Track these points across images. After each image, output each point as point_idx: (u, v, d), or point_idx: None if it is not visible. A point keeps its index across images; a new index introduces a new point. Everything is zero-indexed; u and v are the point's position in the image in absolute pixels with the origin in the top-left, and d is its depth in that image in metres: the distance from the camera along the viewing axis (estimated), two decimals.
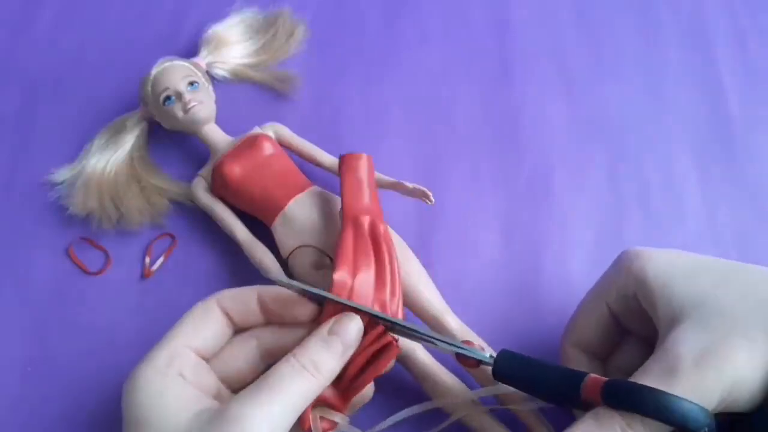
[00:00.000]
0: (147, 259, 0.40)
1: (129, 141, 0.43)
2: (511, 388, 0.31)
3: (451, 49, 0.48)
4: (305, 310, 0.29)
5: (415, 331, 0.29)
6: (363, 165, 0.37)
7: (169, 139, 0.44)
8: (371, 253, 0.34)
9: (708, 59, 0.47)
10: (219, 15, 0.47)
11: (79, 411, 0.36)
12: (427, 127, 0.45)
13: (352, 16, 0.50)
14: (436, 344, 0.30)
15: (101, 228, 0.41)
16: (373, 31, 0.49)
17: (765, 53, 0.47)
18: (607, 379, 0.27)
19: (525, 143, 0.44)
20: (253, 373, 0.29)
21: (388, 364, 0.29)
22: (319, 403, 0.29)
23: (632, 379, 0.26)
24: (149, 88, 0.41)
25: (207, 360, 0.29)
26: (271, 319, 0.30)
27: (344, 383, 0.29)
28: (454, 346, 0.30)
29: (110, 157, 0.42)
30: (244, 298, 0.29)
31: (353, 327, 0.28)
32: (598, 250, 0.41)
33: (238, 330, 0.30)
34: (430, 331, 0.30)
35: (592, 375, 0.27)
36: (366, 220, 0.35)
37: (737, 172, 0.43)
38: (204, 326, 0.29)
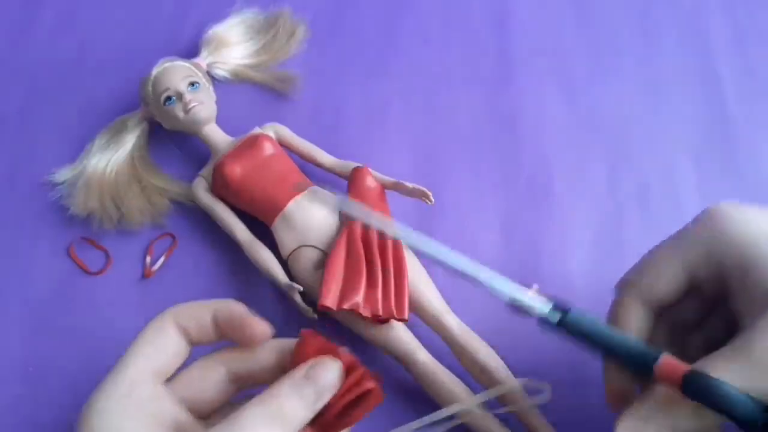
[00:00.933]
0: (148, 259, 0.40)
1: (130, 141, 0.43)
2: (515, 386, 0.30)
3: (451, 49, 0.48)
4: (258, 330, 0.27)
5: (459, 267, 0.29)
6: (366, 176, 0.39)
7: (170, 140, 0.44)
8: (362, 258, 0.35)
9: (707, 59, 0.47)
10: (219, 15, 0.48)
11: (79, 411, 0.36)
12: (427, 127, 0.45)
13: (352, 16, 0.50)
14: (484, 284, 0.29)
15: (102, 228, 0.41)
16: (373, 31, 0.49)
17: (764, 53, 0.47)
18: (689, 368, 0.25)
19: (525, 143, 0.44)
20: (220, 396, 0.27)
21: (368, 411, 0.26)
22: None
23: (711, 365, 0.24)
24: (150, 89, 0.41)
25: (166, 380, 0.27)
26: (225, 338, 0.28)
27: (323, 422, 0.26)
28: (512, 295, 0.28)
29: (111, 158, 0.42)
30: (199, 315, 0.27)
31: (331, 375, 0.25)
32: (598, 250, 0.41)
33: (194, 345, 0.28)
34: (481, 268, 0.29)
35: (667, 357, 0.25)
36: (359, 225, 0.35)
37: (736, 171, 0.43)
38: (161, 346, 0.26)
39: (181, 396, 0.26)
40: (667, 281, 0.29)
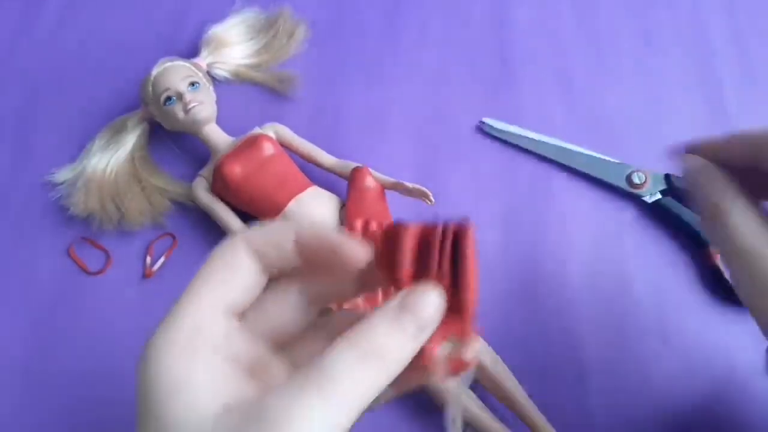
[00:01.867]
0: (148, 259, 0.40)
1: (130, 141, 0.43)
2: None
3: (451, 49, 0.48)
4: (358, 253, 0.22)
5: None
6: (366, 177, 0.38)
7: (170, 140, 0.44)
8: None
9: (707, 59, 0.47)
10: (219, 15, 0.48)
11: (79, 410, 0.36)
12: (427, 127, 0.45)
13: (352, 16, 0.50)
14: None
15: (102, 228, 0.41)
16: (373, 31, 0.49)
17: (764, 53, 0.47)
18: None
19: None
20: (300, 321, 0.23)
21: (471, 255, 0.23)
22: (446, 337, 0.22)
23: None
24: (150, 89, 0.41)
25: (239, 316, 0.23)
26: (311, 266, 0.23)
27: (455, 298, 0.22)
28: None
29: (111, 158, 0.42)
30: (278, 240, 0.23)
31: (432, 301, 0.21)
32: (597, 251, 0.41)
33: (272, 277, 0.23)
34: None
35: None
36: (359, 224, 0.35)
37: None
38: (233, 277, 0.22)
39: (257, 328, 0.22)
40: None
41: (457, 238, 0.23)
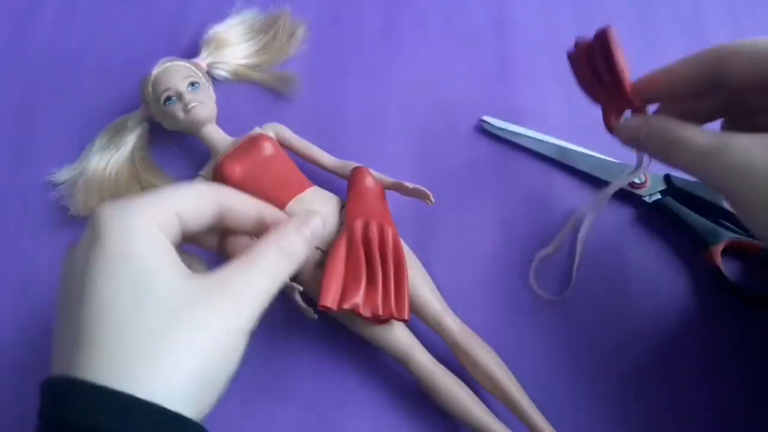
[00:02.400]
0: None
1: (130, 141, 0.43)
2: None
3: (451, 49, 0.48)
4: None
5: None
6: (366, 176, 0.39)
7: (170, 140, 0.44)
8: (362, 258, 0.35)
9: None
10: (219, 16, 0.48)
11: None
12: (427, 126, 0.45)
13: (352, 16, 0.50)
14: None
15: None
16: (373, 31, 0.49)
17: None
18: None
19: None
20: (202, 228, 0.29)
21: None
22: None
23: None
24: (150, 88, 0.41)
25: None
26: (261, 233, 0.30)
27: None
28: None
29: (111, 158, 0.42)
30: (246, 208, 0.29)
31: (318, 221, 0.30)
32: (597, 250, 0.41)
33: (221, 227, 0.30)
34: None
35: None
36: (359, 224, 0.35)
37: None
38: (197, 207, 0.27)
39: (186, 213, 0.27)
40: (752, 68, 0.29)
41: (604, 43, 0.33)
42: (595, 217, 0.40)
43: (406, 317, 0.34)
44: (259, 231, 0.30)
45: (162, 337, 0.23)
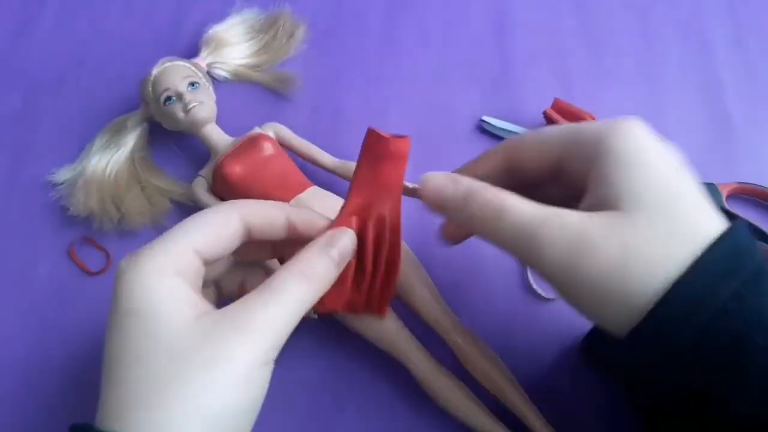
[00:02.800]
0: None
1: (130, 141, 0.43)
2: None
3: (451, 49, 0.48)
4: (343, 239, 0.29)
5: None
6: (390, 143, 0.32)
7: (170, 140, 0.44)
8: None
9: (707, 59, 0.47)
10: (219, 15, 0.48)
11: (79, 411, 0.36)
12: (427, 125, 0.45)
13: (352, 16, 0.50)
14: None
15: (102, 228, 0.41)
16: (373, 31, 0.49)
17: (764, 53, 0.48)
18: None
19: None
20: (227, 251, 0.28)
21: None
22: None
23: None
24: (150, 88, 0.41)
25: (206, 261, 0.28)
26: (296, 242, 0.29)
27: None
28: None
29: (111, 158, 0.42)
30: (271, 217, 0.28)
31: (347, 238, 0.29)
32: None
33: (253, 245, 0.29)
34: None
35: None
36: (354, 221, 0.31)
37: (736, 171, 0.43)
38: (217, 235, 0.27)
39: (206, 244, 0.27)
40: (538, 154, 0.30)
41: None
42: None
43: (384, 316, 0.34)
44: (292, 237, 0.29)
45: (167, 384, 0.23)
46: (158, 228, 0.41)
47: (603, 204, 0.26)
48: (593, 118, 0.42)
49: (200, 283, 0.27)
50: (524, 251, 0.26)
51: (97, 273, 0.40)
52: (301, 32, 0.48)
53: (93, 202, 0.41)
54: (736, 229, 0.25)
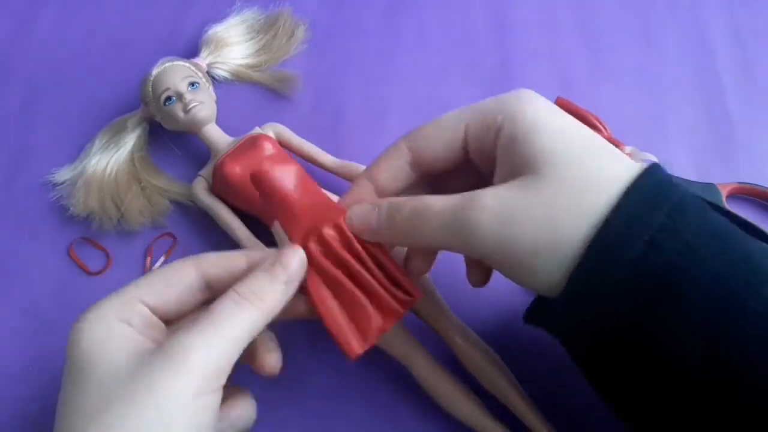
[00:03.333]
0: (148, 260, 0.40)
1: (130, 141, 0.43)
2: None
3: (451, 49, 0.48)
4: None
5: None
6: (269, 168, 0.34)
7: (170, 140, 0.44)
8: (339, 275, 0.29)
9: (707, 59, 0.47)
10: (219, 15, 0.48)
11: None
12: None
13: (352, 16, 0.50)
14: None
15: (102, 228, 0.41)
16: (373, 31, 0.49)
17: (764, 52, 0.48)
18: None
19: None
20: (191, 301, 0.28)
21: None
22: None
23: None
24: (150, 88, 0.41)
25: (166, 322, 0.27)
26: None
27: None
28: None
29: (111, 158, 0.42)
30: (230, 265, 0.27)
31: (296, 258, 0.27)
32: None
33: (216, 295, 0.27)
34: None
35: None
36: (313, 247, 0.29)
37: (736, 171, 0.43)
38: (169, 287, 0.27)
39: (156, 295, 0.26)
40: (443, 142, 0.29)
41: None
42: None
43: (420, 294, 0.30)
44: None
45: (95, 417, 0.23)
46: (158, 228, 0.41)
47: (517, 171, 0.26)
48: (596, 118, 0.42)
49: (152, 331, 0.26)
50: (458, 240, 0.26)
51: (97, 273, 0.40)
52: (301, 32, 0.48)
53: (93, 201, 0.41)
54: (653, 168, 0.25)
